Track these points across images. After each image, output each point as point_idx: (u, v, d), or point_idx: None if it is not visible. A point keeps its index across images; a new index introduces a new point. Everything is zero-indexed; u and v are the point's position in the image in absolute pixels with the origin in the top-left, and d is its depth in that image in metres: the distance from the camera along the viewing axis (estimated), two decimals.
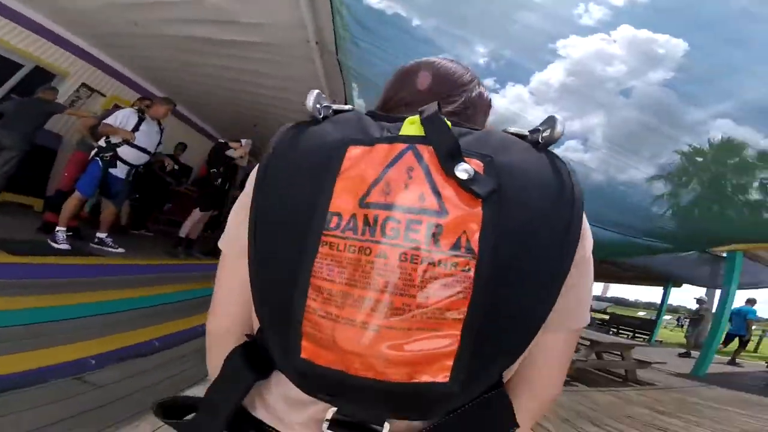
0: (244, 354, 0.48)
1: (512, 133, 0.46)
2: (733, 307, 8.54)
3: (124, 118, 4.18)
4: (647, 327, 11.33)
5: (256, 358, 0.47)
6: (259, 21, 4.03)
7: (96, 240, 4.36)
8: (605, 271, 11.45)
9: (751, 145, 3.10)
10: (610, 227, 5.03)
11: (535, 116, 3.97)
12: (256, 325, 0.51)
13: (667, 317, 17.32)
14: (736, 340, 8.64)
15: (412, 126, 0.43)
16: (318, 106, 0.47)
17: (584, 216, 0.43)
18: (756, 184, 3.54)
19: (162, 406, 0.52)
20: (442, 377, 0.37)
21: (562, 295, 0.39)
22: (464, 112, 0.57)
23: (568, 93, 3.64)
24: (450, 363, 0.37)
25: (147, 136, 4.33)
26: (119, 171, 4.23)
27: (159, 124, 4.54)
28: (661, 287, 11.97)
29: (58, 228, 3.86)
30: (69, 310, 2.65)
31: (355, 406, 0.43)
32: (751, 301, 8.70)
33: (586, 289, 0.49)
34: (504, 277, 0.37)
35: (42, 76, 5.28)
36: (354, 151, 0.41)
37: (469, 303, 0.36)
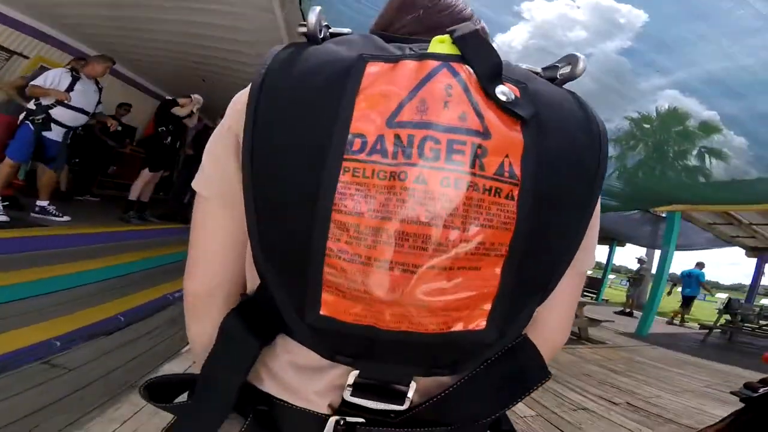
0: (243, 317, 0.41)
1: (526, 69, 0.43)
2: (683, 270, 9.37)
3: (55, 78, 3.81)
4: (594, 285, 12.00)
5: (256, 321, 0.41)
6: None
7: (37, 209, 4.02)
8: None
9: (694, 116, 3.32)
10: None
11: None
12: (252, 282, 0.45)
13: (611, 276, 18.44)
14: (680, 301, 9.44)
15: (442, 45, 0.38)
16: (319, 26, 0.40)
17: None
18: (695, 151, 3.83)
19: (149, 388, 0.46)
20: (479, 323, 0.35)
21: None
22: None
23: (529, 56, 3.67)
24: (488, 307, 0.35)
25: (83, 95, 3.99)
26: (54, 134, 3.89)
27: (97, 83, 4.18)
28: (607, 246, 12.65)
29: None
30: (20, 289, 2.48)
31: (381, 367, 0.39)
32: (700, 265, 9.28)
33: (596, 230, 0.47)
34: (542, 207, 0.35)
35: None
36: (373, 68, 0.35)
37: (512, 236, 0.33)
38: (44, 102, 3.78)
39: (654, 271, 8.23)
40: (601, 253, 13.20)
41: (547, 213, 0.35)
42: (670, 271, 7.72)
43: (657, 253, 8.83)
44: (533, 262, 0.36)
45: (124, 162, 7.32)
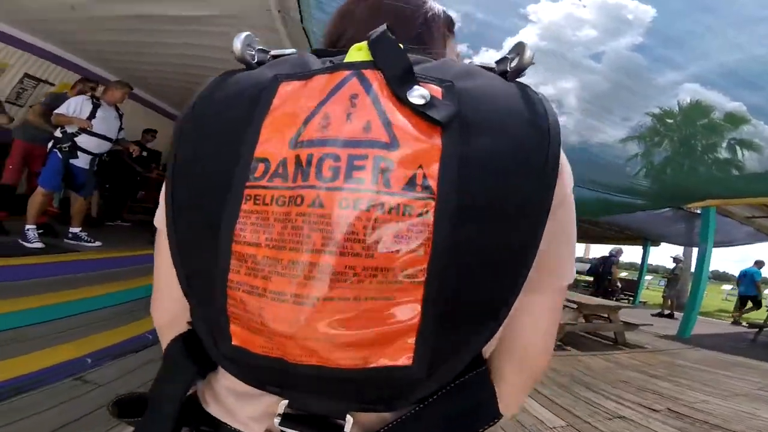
0: (185, 344, 0.42)
1: (477, 65, 0.40)
2: (741, 270, 8.88)
3: (77, 106, 3.92)
4: (630, 288, 11.39)
5: (198, 348, 0.40)
6: None
7: (70, 235, 4.21)
8: (586, 232, 11.71)
9: (718, 108, 3.19)
10: (587, 185, 5.18)
11: None
12: None
13: (648, 277, 17.29)
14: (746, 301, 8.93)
15: (359, 52, 0.36)
16: (250, 51, 0.39)
17: (561, 149, 0.35)
18: (725, 144, 3.67)
19: (118, 404, 0.47)
20: (405, 359, 0.31)
21: (546, 245, 0.33)
22: (419, 38, 0.49)
23: (541, 58, 3.62)
24: (412, 341, 0.31)
25: (105, 122, 4.09)
26: (81, 161, 4.03)
27: (117, 109, 4.27)
28: (640, 247, 12.11)
29: (27, 226, 3.71)
30: (55, 310, 2.60)
31: (309, 399, 0.36)
32: (759, 263, 8.78)
33: (567, 236, 0.42)
34: (472, 219, 0.30)
35: None
36: (286, 87, 0.34)
37: (430, 259, 0.29)
38: (69, 130, 3.90)
39: (693, 269, 7.76)
40: (635, 254, 12.76)
41: (480, 225, 0.31)
42: (723, 270, 7.26)
43: (695, 251, 8.37)
44: (467, 284, 0.31)
45: (151, 186, 7.55)
